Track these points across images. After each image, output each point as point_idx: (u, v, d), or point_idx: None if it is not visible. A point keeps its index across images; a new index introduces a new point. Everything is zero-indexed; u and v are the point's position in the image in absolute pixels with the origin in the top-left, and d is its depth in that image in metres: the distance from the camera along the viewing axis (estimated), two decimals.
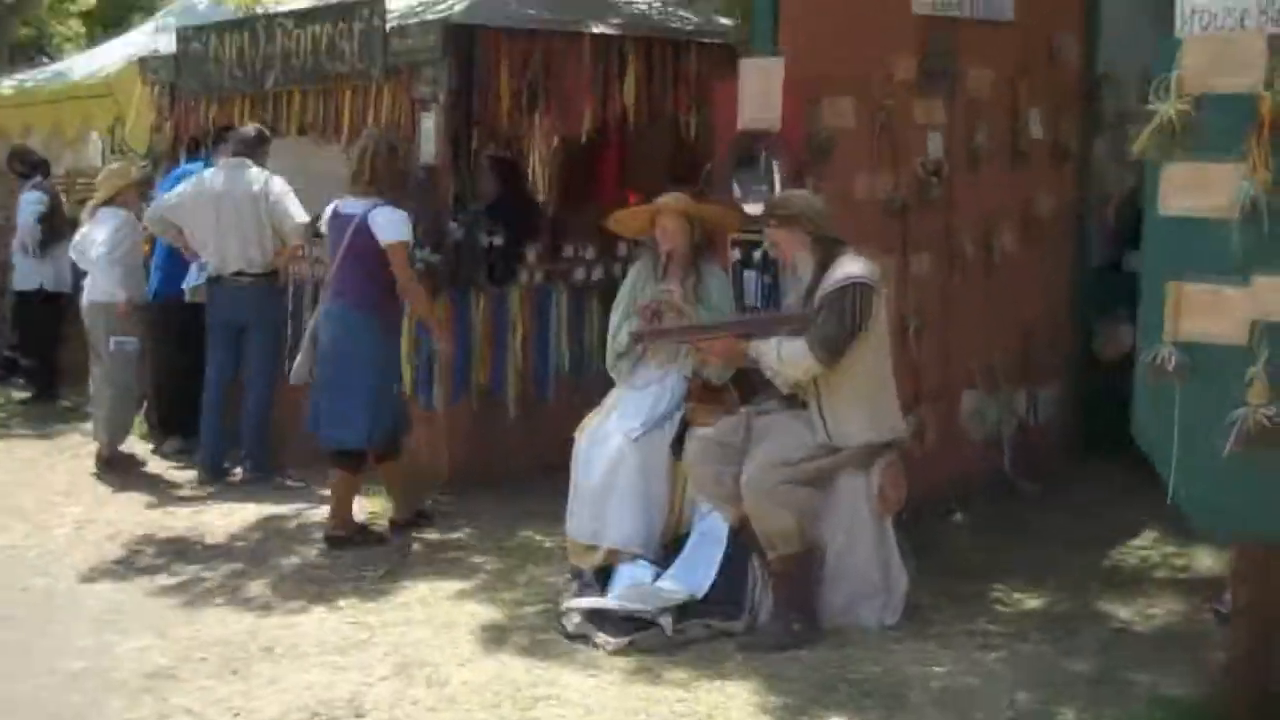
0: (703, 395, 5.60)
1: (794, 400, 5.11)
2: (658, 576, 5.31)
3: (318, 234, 6.86)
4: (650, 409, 5.59)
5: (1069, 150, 7.39)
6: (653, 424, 5.53)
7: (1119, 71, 7.48)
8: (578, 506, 5.64)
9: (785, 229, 5.06)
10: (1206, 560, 5.75)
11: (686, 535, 5.48)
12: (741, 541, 5.15)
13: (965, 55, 6.48)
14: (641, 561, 5.42)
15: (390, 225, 6.18)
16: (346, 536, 6.29)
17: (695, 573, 5.24)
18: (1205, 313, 3.81)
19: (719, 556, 5.23)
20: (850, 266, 4.94)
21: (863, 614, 5.02)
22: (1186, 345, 3.84)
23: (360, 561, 6.04)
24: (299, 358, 6.40)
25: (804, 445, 4.93)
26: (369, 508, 6.86)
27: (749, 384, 5.84)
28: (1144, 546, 6.02)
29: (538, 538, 6.29)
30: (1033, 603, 5.29)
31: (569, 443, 5.74)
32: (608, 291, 7.61)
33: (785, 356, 4.90)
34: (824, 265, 5.00)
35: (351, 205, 6.25)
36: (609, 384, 6.20)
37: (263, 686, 4.67)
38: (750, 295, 5.92)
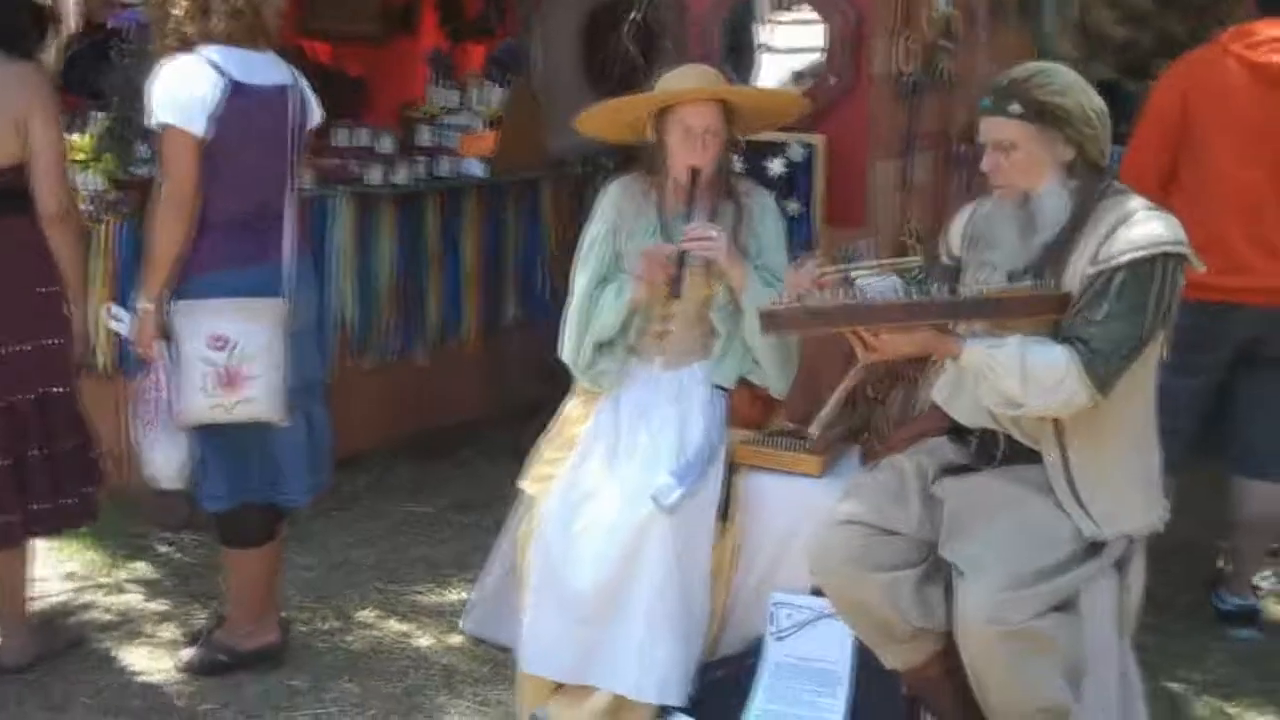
0: (752, 415, 3.28)
1: (979, 443, 2.93)
2: None
3: None
4: (676, 446, 3.19)
5: (1028, 6, 5.56)
6: (693, 477, 3.14)
7: None
8: (547, 619, 3.19)
9: (1042, 129, 2.78)
10: None
11: (737, 659, 3.22)
12: (878, 675, 2.98)
13: None
14: (680, 718, 3.11)
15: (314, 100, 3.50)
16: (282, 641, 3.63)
17: None
18: None
19: (840, 713, 3.03)
20: (1148, 222, 2.73)
21: None
22: None
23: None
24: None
25: (1053, 539, 2.75)
26: (68, 564, 4.17)
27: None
28: None
29: (390, 628, 3.82)
30: None
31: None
32: (411, 208, 5.03)
33: (1032, 371, 2.66)
34: (1083, 210, 2.79)
35: (259, 69, 3.31)
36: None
37: None
38: None
